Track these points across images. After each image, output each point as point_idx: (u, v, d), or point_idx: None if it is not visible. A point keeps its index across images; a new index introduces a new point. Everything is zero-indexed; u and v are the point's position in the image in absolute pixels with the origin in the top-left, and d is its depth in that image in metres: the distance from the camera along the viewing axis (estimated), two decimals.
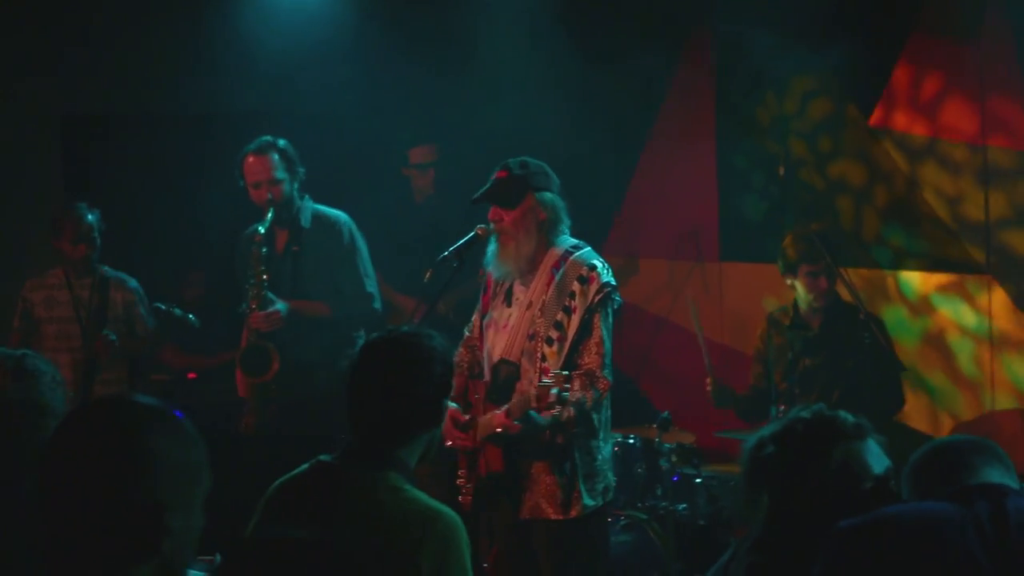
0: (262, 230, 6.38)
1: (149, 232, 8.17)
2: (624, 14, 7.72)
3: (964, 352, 6.55)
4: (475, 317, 5.55)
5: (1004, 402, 6.44)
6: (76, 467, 2.28)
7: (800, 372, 6.19)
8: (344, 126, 8.06)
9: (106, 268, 7.20)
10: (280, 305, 6.40)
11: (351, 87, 8.04)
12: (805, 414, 3.04)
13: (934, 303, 6.67)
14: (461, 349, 5.51)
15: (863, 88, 6.80)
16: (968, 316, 6.51)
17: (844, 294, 6.20)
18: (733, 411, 6.37)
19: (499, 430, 5.03)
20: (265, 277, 6.37)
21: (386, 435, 3.39)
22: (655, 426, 6.23)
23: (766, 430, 3.09)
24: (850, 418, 3.02)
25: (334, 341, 6.29)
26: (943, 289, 6.60)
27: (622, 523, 6.23)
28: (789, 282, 6.20)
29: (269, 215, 6.41)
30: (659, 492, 6.29)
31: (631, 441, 6.37)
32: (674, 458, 6.28)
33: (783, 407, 5.98)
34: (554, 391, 4.73)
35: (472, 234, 5.30)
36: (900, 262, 6.75)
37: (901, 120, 6.67)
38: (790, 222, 6.33)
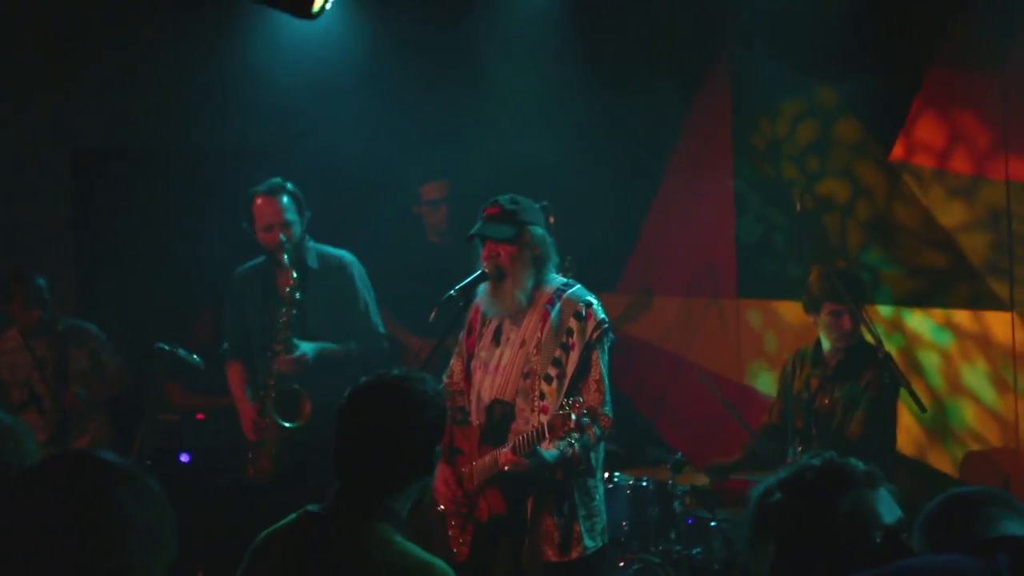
0: (295, 275, 6.33)
1: (158, 267, 8.07)
2: (641, 48, 7.62)
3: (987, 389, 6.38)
4: (454, 362, 5.45)
5: None
6: (30, 528, 2.14)
7: (816, 411, 6.06)
8: (354, 162, 7.97)
9: (63, 321, 7.18)
10: (307, 347, 6.31)
11: (361, 123, 7.95)
12: (815, 461, 2.88)
13: (955, 340, 6.51)
14: None
15: (883, 123, 6.66)
16: (990, 354, 6.34)
17: (866, 334, 6.06)
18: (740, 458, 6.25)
19: (506, 468, 4.90)
20: (292, 320, 6.29)
21: (375, 483, 3.25)
22: (668, 467, 6.05)
23: (773, 477, 2.94)
24: (861, 465, 2.86)
25: (346, 382, 6.16)
26: (964, 326, 6.43)
27: (635, 568, 6.06)
28: (812, 319, 6.07)
29: (286, 258, 6.35)
30: (673, 536, 6.12)
31: (644, 483, 6.20)
32: (688, 500, 6.11)
33: (800, 447, 5.82)
34: (573, 416, 4.63)
35: (479, 272, 5.19)
36: (917, 298, 6.60)
37: (920, 155, 6.51)
38: (807, 259, 6.18)
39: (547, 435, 4.74)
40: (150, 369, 7.13)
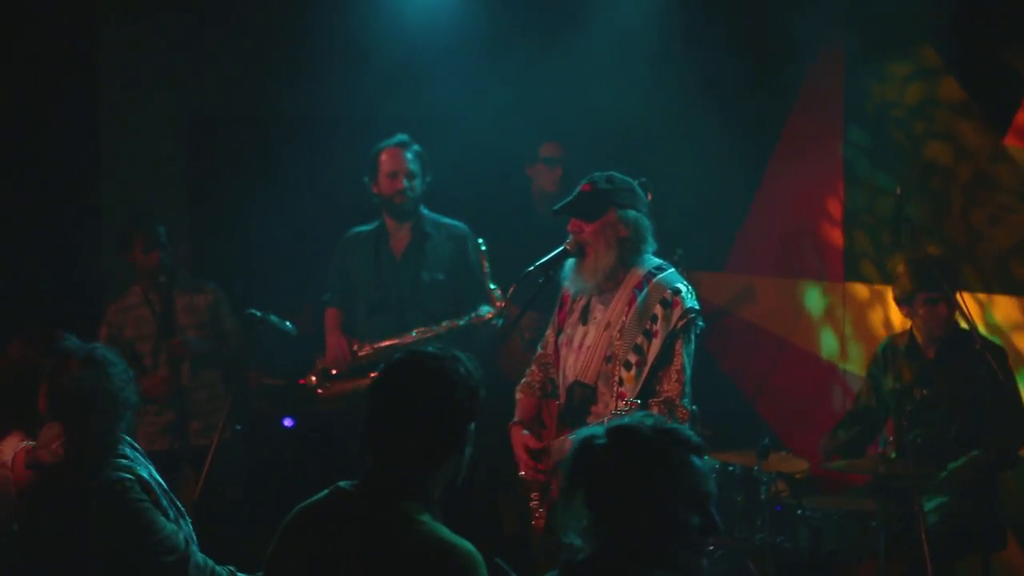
0: (463, 236, 6.51)
1: (271, 234, 8.11)
2: (755, 26, 7.45)
3: None
4: (549, 333, 5.39)
5: None
6: None
7: (915, 403, 5.89)
8: (456, 129, 7.92)
9: (181, 274, 7.19)
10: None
11: (464, 88, 7.90)
12: (648, 420, 2.90)
13: None
14: (533, 367, 5.38)
15: (996, 104, 6.41)
16: None
17: (961, 321, 5.85)
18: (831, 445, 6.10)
19: None
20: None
21: (404, 462, 3.23)
22: (755, 453, 5.91)
23: (600, 426, 2.94)
24: (692, 433, 2.88)
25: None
26: None
27: (719, 554, 5.96)
28: (905, 311, 5.90)
29: (404, 208, 6.53)
30: (758, 523, 5.98)
31: (731, 468, 6.07)
32: (775, 488, 5.97)
33: (891, 438, 5.67)
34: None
35: (560, 249, 5.15)
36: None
37: None
38: (906, 245, 5.97)
39: None
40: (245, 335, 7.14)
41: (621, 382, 4.91)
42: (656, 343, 4.91)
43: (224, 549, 4.44)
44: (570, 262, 5.14)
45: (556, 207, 5.16)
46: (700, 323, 5.03)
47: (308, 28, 7.99)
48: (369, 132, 7.04)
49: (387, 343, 6.53)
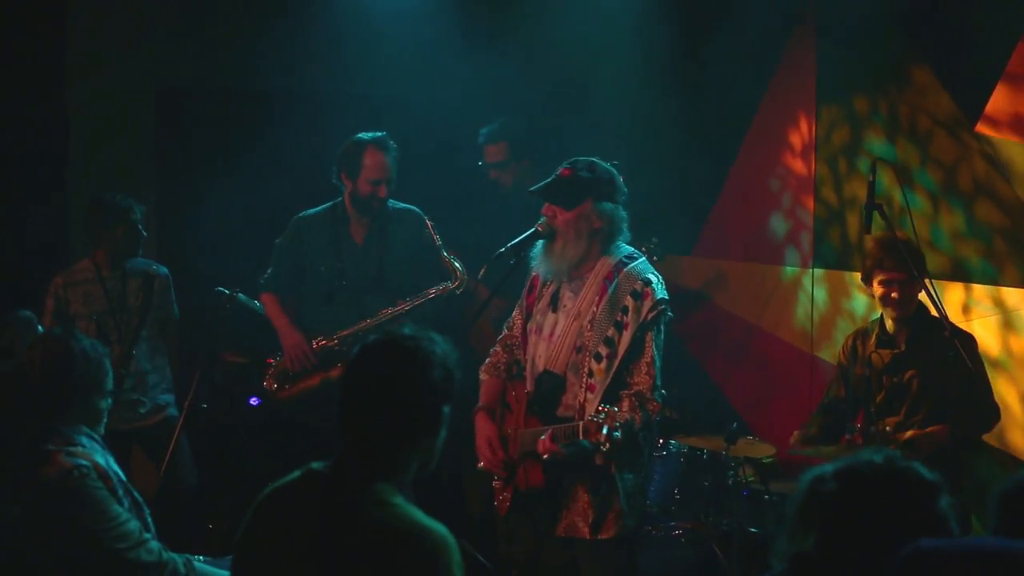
0: (418, 218, 6.47)
1: (238, 208, 8.04)
2: (724, 13, 7.44)
3: None
4: (515, 314, 5.36)
5: None
6: None
7: (885, 391, 5.88)
8: (423, 112, 7.88)
9: (137, 259, 7.05)
10: None
11: (432, 70, 7.87)
12: (877, 458, 2.78)
13: None
14: (497, 348, 5.36)
15: (969, 92, 6.41)
16: None
17: (930, 307, 5.85)
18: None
19: (545, 456, 4.83)
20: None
21: (379, 444, 3.19)
22: (723, 438, 5.91)
23: (830, 465, 2.83)
24: (924, 473, 2.74)
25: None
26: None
27: (685, 538, 5.98)
28: (870, 293, 5.91)
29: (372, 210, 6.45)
30: (726, 508, 6.00)
31: (699, 453, 6.08)
32: (742, 473, 5.98)
33: (859, 426, 5.66)
34: (605, 430, 4.54)
35: (532, 231, 5.12)
36: (996, 277, 6.35)
37: (1010, 128, 6.26)
38: (874, 230, 5.94)
39: (581, 436, 4.67)
40: (213, 312, 7.05)
41: (591, 374, 4.91)
42: (627, 335, 4.91)
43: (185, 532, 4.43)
44: (539, 244, 5.12)
45: (533, 188, 5.13)
46: (670, 313, 5.04)
47: (282, 4, 7.94)
48: (339, 109, 7.00)
49: (354, 329, 6.47)
